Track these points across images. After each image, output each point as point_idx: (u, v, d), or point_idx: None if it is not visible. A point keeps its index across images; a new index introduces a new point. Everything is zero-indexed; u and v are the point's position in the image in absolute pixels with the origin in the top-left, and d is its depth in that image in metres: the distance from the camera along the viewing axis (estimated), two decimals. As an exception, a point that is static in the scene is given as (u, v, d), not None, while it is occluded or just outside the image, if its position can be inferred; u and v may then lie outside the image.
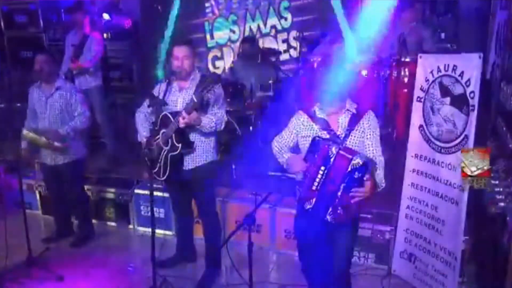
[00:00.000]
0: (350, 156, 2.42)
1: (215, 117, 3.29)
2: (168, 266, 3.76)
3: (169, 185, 3.69)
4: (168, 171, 3.33)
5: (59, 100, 3.98)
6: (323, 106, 2.69)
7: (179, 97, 3.35)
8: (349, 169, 2.41)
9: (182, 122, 3.11)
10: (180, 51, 3.28)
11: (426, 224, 3.42)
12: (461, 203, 3.11)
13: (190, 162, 3.38)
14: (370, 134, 2.66)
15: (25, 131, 3.91)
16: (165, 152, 3.30)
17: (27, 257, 3.81)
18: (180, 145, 3.23)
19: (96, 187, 4.74)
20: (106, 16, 6.33)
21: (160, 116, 3.29)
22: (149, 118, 3.47)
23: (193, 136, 3.32)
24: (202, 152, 3.39)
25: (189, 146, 3.30)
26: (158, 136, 3.33)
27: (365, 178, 2.45)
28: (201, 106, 3.19)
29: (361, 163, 2.40)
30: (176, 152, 3.26)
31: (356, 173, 2.41)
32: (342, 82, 2.61)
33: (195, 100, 3.06)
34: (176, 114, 3.20)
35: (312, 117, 2.71)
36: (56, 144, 3.90)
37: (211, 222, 3.60)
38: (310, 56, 4.66)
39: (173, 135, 3.22)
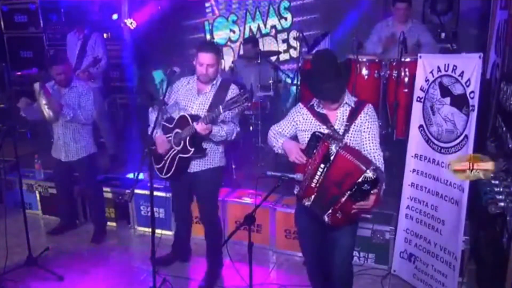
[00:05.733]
0: (364, 168, 2.35)
1: (227, 126, 3.23)
2: (161, 264, 3.73)
3: (173, 185, 3.68)
4: (172, 171, 3.32)
5: (73, 98, 4.10)
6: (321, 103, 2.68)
7: (197, 100, 3.30)
8: (360, 179, 2.35)
9: (200, 129, 3.06)
10: (206, 59, 3.18)
11: (426, 224, 3.42)
12: (461, 203, 3.11)
13: (195, 166, 3.36)
14: (368, 128, 2.63)
15: (37, 85, 3.95)
16: (174, 151, 3.29)
17: (27, 257, 3.82)
18: (193, 149, 3.19)
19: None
20: (115, 17, 6.34)
21: (178, 116, 3.26)
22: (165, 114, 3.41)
23: (204, 142, 3.29)
24: (209, 157, 3.36)
25: (200, 152, 3.26)
26: (170, 135, 3.31)
27: (372, 192, 2.40)
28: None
29: (373, 178, 2.34)
30: (187, 155, 3.23)
31: (366, 185, 2.36)
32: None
33: (221, 111, 3.00)
34: (195, 118, 3.16)
35: (312, 110, 2.71)
36: (50, 110, 3.94)
37: (212, 225, 3.59)
38: (310, 56, 4.65)
39: (188, 138, 3.19)
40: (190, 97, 3.33)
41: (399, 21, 4.69)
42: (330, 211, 2.49)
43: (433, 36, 4.80)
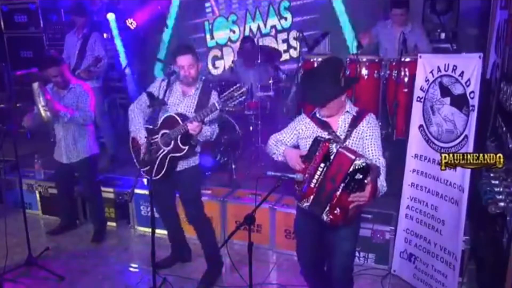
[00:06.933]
0: (353, 157, 2.38)
1: (210, 128, 3.31)
2: (163, 267, 3.75)
3: (155, 186, 3.49)
4: (164, 171, 3.32)
5: (72, 99, 4.07)
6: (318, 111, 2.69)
7: (182, 102, 3.35)
8: (350, 169, 2.37)
9: (192, 127, 3.11)
10: (185, 60, 3.23)
11: (426, 224, 3.42)
12: (461, 203, 3.11)
13: (180, 164, 3.40)
14: (370, 135, 2.64)
15: (35, 85, 3.92)
16: (164, 152, 3.30)
17: (27, 257, 3.82)
18: (186, 147, 3.23)
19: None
20: (111, 16, 6.34)
21: (164, 116, 3.27)
22: (144, 115, 3.43)
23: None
24: (190, 155, 3.41)
25: (193, 148, 3.31)
26: (156, 136, 3.31)
27: (366, 181, 2.39)
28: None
29: (363, 165, 2.36)
30: (181, 154, 3.26)
31: (358, 174, 2.37)
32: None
33: (218, 107, 3.07)
34: (184, 117, 3.20)
35: (314, 119, 2.73)
36: (47, 112, 3.93)
37: (201, 225, 3.59)
38: (310, 56, 4.65)
39: (179, 137, 3.21)
40: (175, 99, 3.36)
41: (397, 24, 4.73)
42: (328, 208, 2.48)
43: (429, 42, 4.82)
